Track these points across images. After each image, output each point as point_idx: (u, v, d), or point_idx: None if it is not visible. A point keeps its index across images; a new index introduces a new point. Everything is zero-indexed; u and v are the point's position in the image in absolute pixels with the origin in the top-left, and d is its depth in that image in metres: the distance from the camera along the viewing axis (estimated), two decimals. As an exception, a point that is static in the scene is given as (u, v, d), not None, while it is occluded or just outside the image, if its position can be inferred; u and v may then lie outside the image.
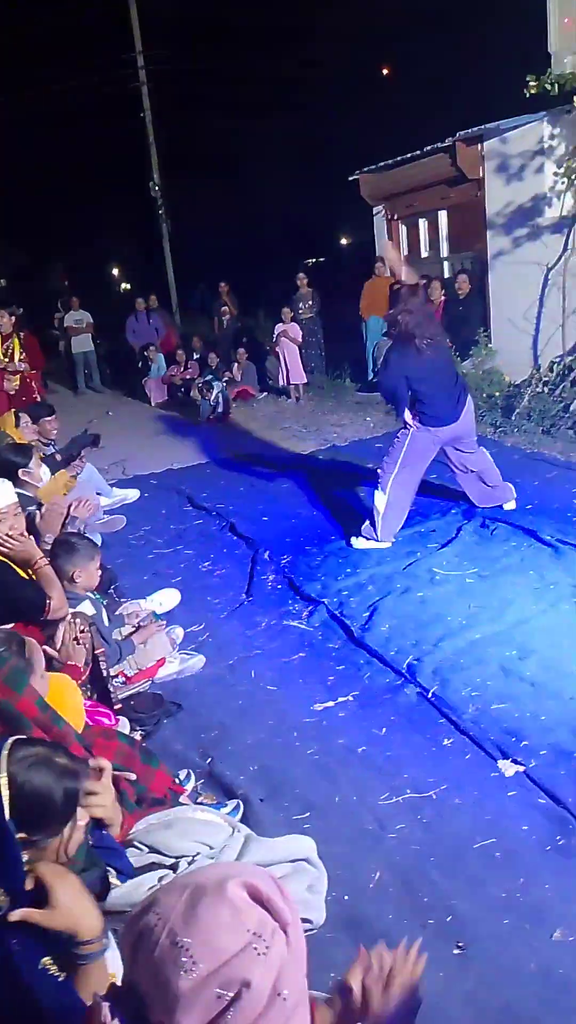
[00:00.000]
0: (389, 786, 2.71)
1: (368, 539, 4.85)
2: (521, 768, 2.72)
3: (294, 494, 6.16)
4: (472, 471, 5.04)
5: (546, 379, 7.63)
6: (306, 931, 1.90)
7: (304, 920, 2.07)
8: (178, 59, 17.93)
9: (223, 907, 0.88)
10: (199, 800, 2.73)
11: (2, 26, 18.40)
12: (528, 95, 7.00)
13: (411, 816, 2.57)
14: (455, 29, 18.06)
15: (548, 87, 6.81)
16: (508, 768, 2.72)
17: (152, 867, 2.25)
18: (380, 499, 4.80)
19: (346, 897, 2.28)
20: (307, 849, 2.29)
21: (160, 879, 2.22)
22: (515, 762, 2.75)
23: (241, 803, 2.68)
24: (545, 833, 2.44)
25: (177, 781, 2.73)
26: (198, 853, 2.23)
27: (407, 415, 4.72)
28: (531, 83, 6.87)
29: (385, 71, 23.12)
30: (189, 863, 2.24)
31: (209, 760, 2.95)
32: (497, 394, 7.87)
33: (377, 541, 4.82)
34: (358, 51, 20.60)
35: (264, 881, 0.94)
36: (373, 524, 4.82)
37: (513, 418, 7.21)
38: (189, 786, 2.78)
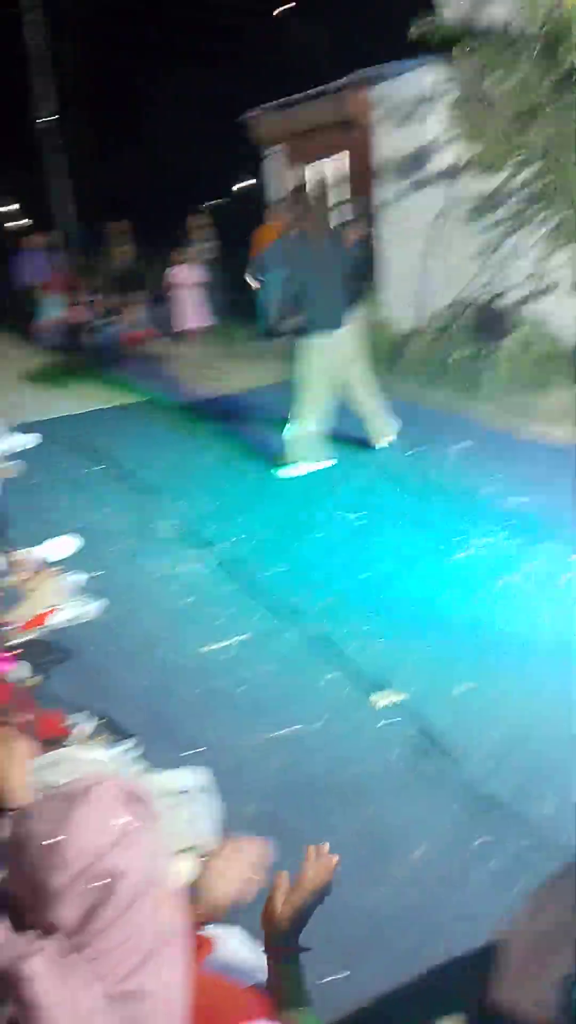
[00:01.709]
0: (269, 723, 2.88)
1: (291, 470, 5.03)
2: (394, 699, 2.95)
3: (190, 440, 6.23)
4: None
5: (431, 330, 7.88)
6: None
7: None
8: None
9: (91, 808, 0.97)
10: (91, 742, 2.85)
11: None
12: (410, 40, 7.00)
13: (289, 750, 2.75)
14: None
15: (430, 36, 6.84)
16: (380, 700, 2.95)
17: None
18: (292, 429, 5.04)
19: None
20: (200, 778, 2.44)
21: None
22: (389, 694, 2.98)
23: (133, 743, 2.80)
24: (409, 761, 2.66)
25: (70, 724, 2.83)
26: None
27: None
28: (413, 29, 6.87)
29: (276, 12, 22.42)
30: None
31: (100, 704, 3.06)
32: (384, 344, 8.04)
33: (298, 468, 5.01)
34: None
35: (128, 783, 1.04)
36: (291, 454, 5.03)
37: (399, 368, 7.43)
38: (83, 729, 2.88)
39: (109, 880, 0.94)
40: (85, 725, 2.86)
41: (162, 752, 2.77)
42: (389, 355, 7.83)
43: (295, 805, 2.52)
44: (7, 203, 27.43)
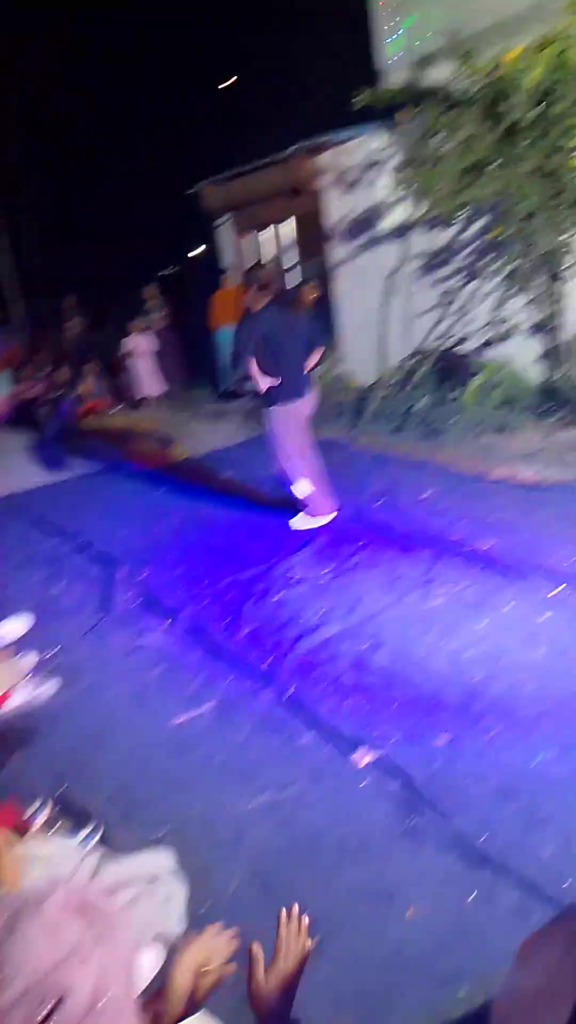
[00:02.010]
0: (246, 791, 2.71)
1: (312, 517, 5.15)
2: (372, 757, 2.78)
3: (151, 508, 6.07)
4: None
5: (392, 381, 7.93)
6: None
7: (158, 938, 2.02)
8: (15, 54, 17.37)
9: (41, 922, 0.90)
10: (52, 831, 2.62)
11: None
12: (358, 107, 7.23)
13: (268, 819, 2.58)
14: (291, 42, 18.48)
15: (375, 101, 7.07)
16: (360, 759, 2.78)
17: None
18: (297, 487, 5.10)
19: (203, 910, 2.24)
20: (163, 863, 2.24)
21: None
22: (368, 752, 2.81)
23: (96, 827, 2.58)
24: (396, 818, 2.51)
25: (27, 815, 2.61)
26: (45, 886, 2.13)
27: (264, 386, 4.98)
28: (359, 96, 7.11)
29: (227, 82, 23.36)
30: (37, 897, 2.14)
31: (63, 787, 2.84)
32: (347, 397, 8.09)
33: (324, 515, 5.13)
34: (198, 61, 20.70)
35: (85, 889, 0.98)
36: (310, 510, 5.14)
37: (363, 421, 7.43)
38: (41, 818, 2.66)
39: (56, 999, 0.86)
40: (41, 815, 2.64)
41: (134, 833, 2.57)
42: (353, 408, 7.84)
43: (285, 873, 2.36)
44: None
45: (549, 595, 3.78)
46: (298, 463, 5.11)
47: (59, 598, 4.59)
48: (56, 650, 3.91)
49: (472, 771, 2.66)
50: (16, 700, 3.37)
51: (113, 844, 2.51)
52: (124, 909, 2.14)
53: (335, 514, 5.17)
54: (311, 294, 8.98)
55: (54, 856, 2.25)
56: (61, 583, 4.81)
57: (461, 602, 3.84)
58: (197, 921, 2.17)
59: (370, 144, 8.14)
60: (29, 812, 2.68)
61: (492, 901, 2.17)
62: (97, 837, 2.54)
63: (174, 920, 2.14)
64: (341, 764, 2.79)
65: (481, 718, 2.93)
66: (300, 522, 5.19)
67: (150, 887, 2.19)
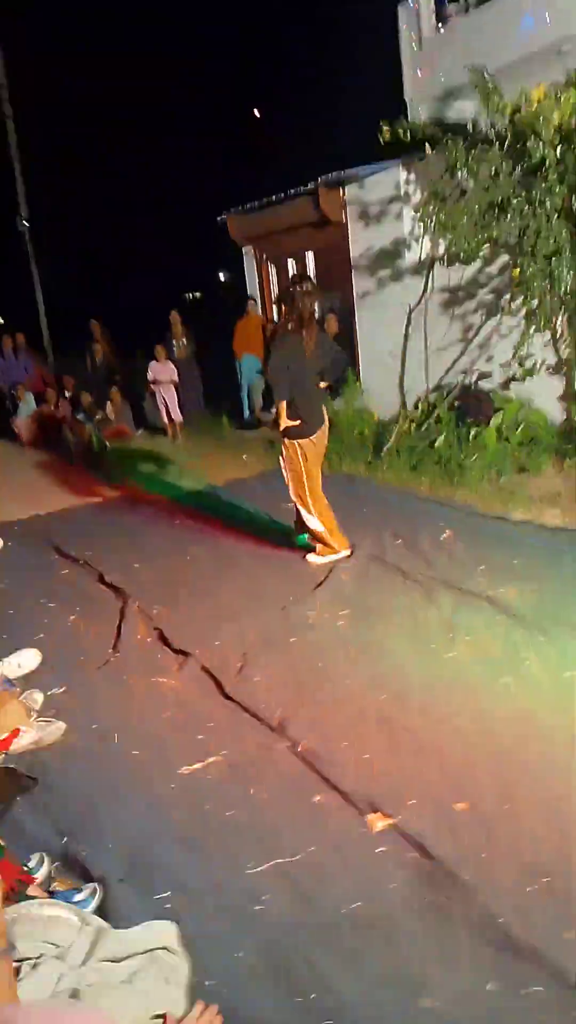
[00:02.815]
0: (257, 852, 2.59)
1: (326, 553, 5.10)
2: (390, 821, 2.66)
3: (169, 539, 6.00)
4: None
5: (412, 417, 7.86)
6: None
7: (156, 1017, 1.91)
8: (47, 91, 17.73)
9: None
10: (52, 887, 2.52)
11: None
12: (383, 142, 7.26)
13: (280, 884, 2.46)
14: (318, 75, 18.74)
15: (401, 134, 7.08)
16: (376, 822, 2.66)
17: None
18: (314, 521, 5.05)
19: (210, 983, 2.12)
20: (165, 936, 2.13)
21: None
22: (384, 815, 2.69)
23: (98, 887, 2.48)
24: (415, 890, 2.38)
25: (27, 869, 2.51)
26: (42, 955, 2.03)
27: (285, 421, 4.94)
28: (385, 129, 7.13)
29: (256, 113, 23.69)
30: (33, 966, 2.04)
31: (65, 840, 2.74)
32: (367, 432, 8.03)
33: (338, 552, 5.08)
34: (225, 92, 21.02)
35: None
36: (326, 543, 5.07)
37: (383, 456, 7.35)
38: (41, 873, 2.56)
39: None
40: (41, 870, 2.54)
41: (137, 896, 2.46)
42: (372, 442, 7.77)
43: (298, 946, 2.21)
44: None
45: None
46: (312, 497, 5.04)
47: (72, 630, 4.52)
48: (66, 688, 3.83)
49: (498, 844, 2.53)
50: (24, 740, 3.28)
51: (115, 907, 2.41)
52: (122, 986, 2.04)
53: (350, 551, 5.08)
54: (332, 326, 8.97)
55: (53, 919, 2.15)
56: (75, 614, 4.74)
57: (485, 655, 3.71)
58: (203, 997, 2.06)
59: (394, 178, 8.14)
60: (29, 865, 2.59)
61: (518, 990, 2.02)
62: (97, 900, 2.44)
63: (175, 999, 2.03)
64: (357, 826, 2.66)
65: (508, 785, 2.80)
66: (315, 558, 5.11)
67: (151, 962, 2.08)
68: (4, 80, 17.15)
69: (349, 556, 5.07)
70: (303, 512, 5.12)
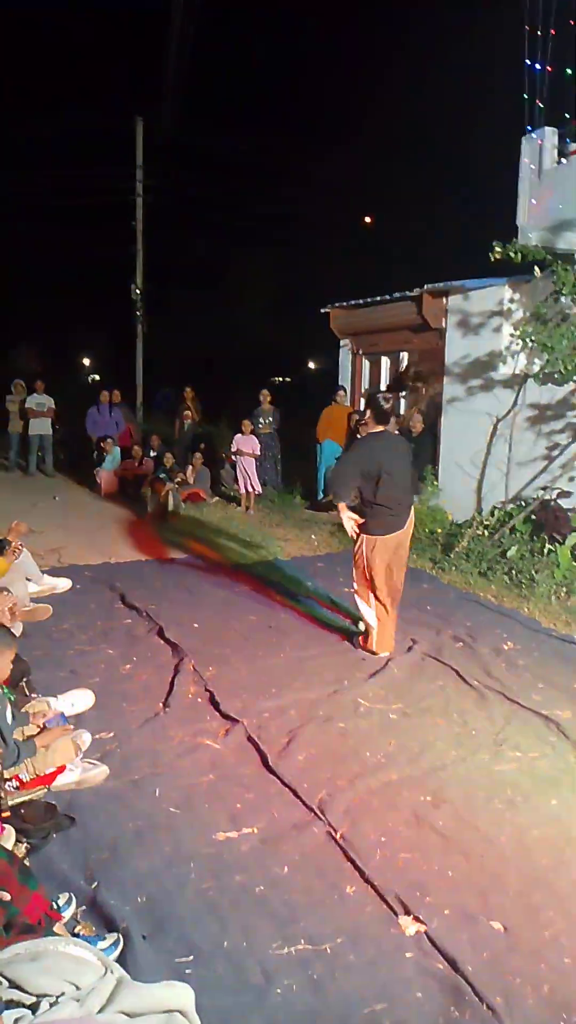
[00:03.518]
0: (282, 935, 2.55)
1: (367, 648, 5.07)
2: (423, 928, 2.59)
3: (230, 604, 6.08)
4: None
5: (487, 523, 7.86)
6: None
7: None
8: (174, 179, 19.07)
9: None
10: (76, 930, 2.52)
11: (17, 120, 19.39)
12: (493, 259, 7.54)
13: (301, 971, 2.40)
14: (434, 191, 19.67)
15: (512, 255, 7.35)
16: (409, 926, 2.59)
17: (11, 1004, 2.04)
18: (369, 614, 5.05)
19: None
20: (183, 1000, 2.10)
21: (16, 1020, 2.01)
22: (417, 920, 2.62)
23: (121, 938, 2.47)
24: (439, 1004, 2.29)
25: (55, 907, 2.52)
26: (62, 993, 2.03)
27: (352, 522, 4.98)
28: (497, 249, 7.42)
29: (368, 219, 24.89)
30: (52, 1004, 2.04)
31: (94, 885, 2.75)
32: (439, 531, 8.06)
33: (380, 651, 5.02)
34: (344, 198, 22.19)
35: None
36: (369, 641, 5.07)
37: (452, 556, 7.35)
38: (67, 913, 2.57)
39: None
40: (68, 910, 2.55)
41: (158, 955, 2.44)
42: (443, 542, 7.78)
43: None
44: (91, 359, 29.59)
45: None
46: (371, 593, 5.03)
47: (125, 680, 4.59)
48: (114, 734, 3.88)
49: (526, 970, 2.43)
50: (68, 778, 3.33)
51: (134, 960, 2.39)
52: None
53: (389, 656, 5.00)
54: (418, 425, 9.14)
55: (78, 960, 2.15)
56: (131, 662, 4.82)
57: (532, 773, 3.61)
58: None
59: (498, 295, 8.41)
60: (59, 903, 2.60)
61: None
62: (118, 951, 2.42)
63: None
64: (386, 927, 2.60)
65: (542, 910, 2.70)
66: (360, 648, 5.10)
67: (167, 1023, 2.05)
68: (140, 162, 18.61)
69: (390, 659, 4.98)
70: (359, 601, 5.14)
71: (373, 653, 5.02)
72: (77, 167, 18.41)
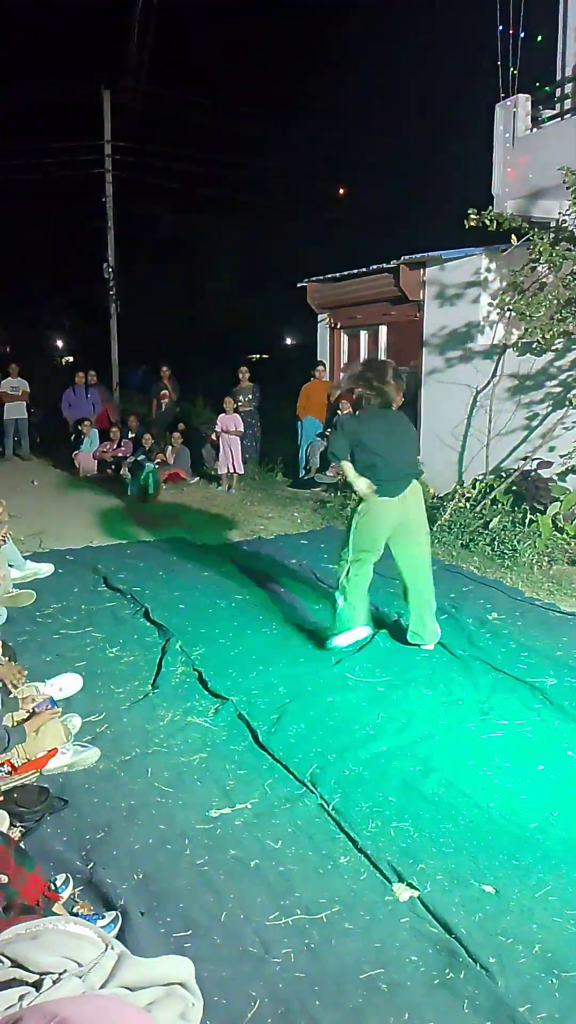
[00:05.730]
0: (278, 905, 2.59)
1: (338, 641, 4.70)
2: (415, 893, 2.64)
3: (214, 583, 6.09)
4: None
5: (468, 495, 7.91)
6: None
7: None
8: (142, 153, 18.73)
9: None
10: (75, 909, 2.55)
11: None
12: (467, 227, 7.48)
13: (298, 940, 2.45)
14: (408, 161, 19.51)
15: (487, 223, 7.31)
16: (403, 892, 2.64)
17: (13, 983, 2.06)
18: (341, 586, 4.71)
19: (219, 1029, 2.12)
20: (184, 972, 2.13)
21: (21, 997, 2.03)
22: (410, 886, 2.67)
23: (119, 915, 2.50)
24: (434, 965, 2.35)
25: (53, 887, 2.55)
26: (64, 971, 2.05)
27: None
28: (472, 216, 7.35)
29: (341, 190, 24.65)
30: (54, 981, 2.06)
31: (91, 865, 2.77)
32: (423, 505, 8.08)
33: (355, 633, 4.70)
34: (316, 168, 21.94)
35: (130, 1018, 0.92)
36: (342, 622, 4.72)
37: (434, 529, 7.38)
38: (65, 893, 2.59)
39: None
40: (65, 891, 2.57)
41: (156, 930, 2.47)
42: (427, 515, 7.79)
43: (310, 1004, 2.21)
44: (64, 340, 29.20)
45: (614, 746, 3.60)
46: (352, 566, 4.69)
47: (112, 662, 4.59)
48: (103, 716, 3.89)
49: (517, 930, 2.49)
50: (59, 761, 3.34)
51: (132, 937, 2.42)
52: (144, 1011, 2.04)
53: (367, 633, 4.79)
54: (398, 398, 9.13)
55: (78, 938, 2.17)
56: (117, 646, 4.82)
57: (519, 739, 3.68)
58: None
59: (475, 264, 8.39)
60: (56, 884, 2.62)
61: None
62: (118, 928, 2.45)
63: (190, 1038, 2.02)
64: (380, 893, 2.65)
65: (532, 871, 2.76)
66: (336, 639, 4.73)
67: (168, 996, 2.08)
68: (109, 137, 18.24)
69: (372, 636, 4.81)
70: (339, 572, 4.78)
71: (352, 633, 4.71)
72: (41, 139, 18.02)
